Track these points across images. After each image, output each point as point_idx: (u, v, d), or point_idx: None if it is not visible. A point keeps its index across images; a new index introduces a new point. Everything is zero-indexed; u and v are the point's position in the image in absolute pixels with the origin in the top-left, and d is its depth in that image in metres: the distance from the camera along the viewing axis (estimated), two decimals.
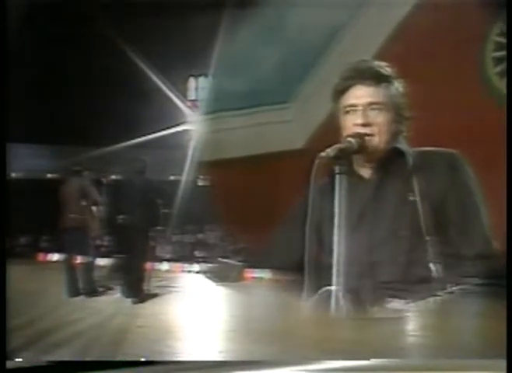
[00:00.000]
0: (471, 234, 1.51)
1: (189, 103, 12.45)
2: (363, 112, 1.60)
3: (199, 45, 7.89)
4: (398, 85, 1.65)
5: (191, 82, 13.12)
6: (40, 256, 11.23)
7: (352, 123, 1.62)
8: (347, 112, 1.64)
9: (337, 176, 1.50)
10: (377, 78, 1.62)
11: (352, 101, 1.63)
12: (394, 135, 1.63)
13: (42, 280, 7.59)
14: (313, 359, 1.13)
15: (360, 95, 1.62)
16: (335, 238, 1.45)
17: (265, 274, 7.91)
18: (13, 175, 11.14)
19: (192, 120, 11.60)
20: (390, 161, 1.63)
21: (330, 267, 1.42)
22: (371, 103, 1.61)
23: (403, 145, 1.65)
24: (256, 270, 8.40)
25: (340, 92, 1.66)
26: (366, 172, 1.66)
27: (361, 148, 1.57)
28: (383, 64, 1.66)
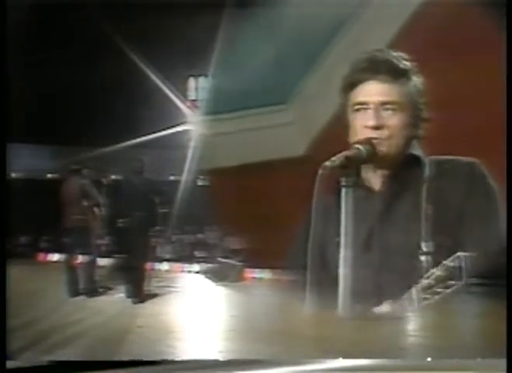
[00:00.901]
0: (489, 250, 1.34)
1: (189, 103, 12.44)
2: (375, 112, 1.41)
3: (199, 45, 7.89)
4: (416, 82, 1.45)
5: (191, 82, 13.12)
6: (40, 256, 11.22)
7: (361, 125, 1.43)
8: (356, 110, 1.45)
9: (343, 189, 1.33)
10: (393, 73, 1.42)
11: (363, 98, 1.43)
12: (409, 140, 1.45)
13: (42, 281, 7.59)
14: (313, 359, 1.13)
15: (372, 92, 1.42)
16: (341, 258, 1.31)
17: (265, 274, 7.92)
18: (13, 175, 11.13)
19: (192, 120, 11.60)
20: (403, 170, 1.46)
21: (335, 284, 1.30)
22: (384, 103, 1.42)
23: (418, 152, 1.47)
24: (256, 270, 8.40)
25: (350, 86, 1.46)
26: (375, 182, 1.48)
27: (371, 156, 1.39)
28: (401, 55, 1.46)
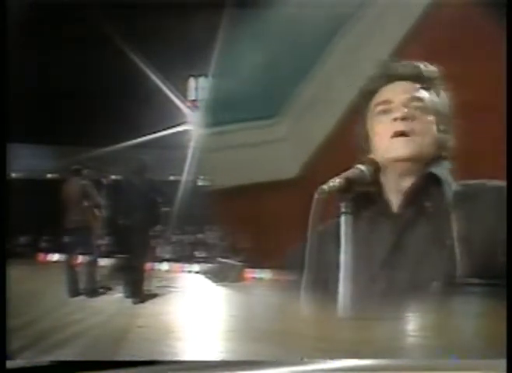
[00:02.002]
0: None
1: (189, 103, 12.45)
2: (402, 105, 1.24)
3: (199, 45, 7.89)
4: (443, 94, 1.30)
5: (191, 82, 13.12)
6: (40, 256, 11.23)
7: (388, 120, 1.25)
8: (380, 112, 1.27)
9: (342, 217, 1.16)
10: (418, 78, 1.29)
11: (388, 96, 1.27)
12: (438, 152, 1.26)
13: (42, 281, 7.59)
14: (313, 359, 1.13)
15: (398, 90, 1.27)
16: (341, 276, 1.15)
17: (265, 274, 7.92)
18: (13, 175, 11.14)
19: (192, 120, 11.60)
20: (424, 190, 1.24)
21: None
22: (413, 99, 1.26)
23: (440, 170, 1.26)
24: (256, 270, 8.40)
25: (369, 93, 1.31)
26: (395, 200, 1.27)
27: (376, 178, 1.23)
28: (428, 66, 1.32)
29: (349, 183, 1.18)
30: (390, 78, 1.30)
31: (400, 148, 1.24)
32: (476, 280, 1.22)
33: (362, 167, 1.22)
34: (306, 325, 1.29)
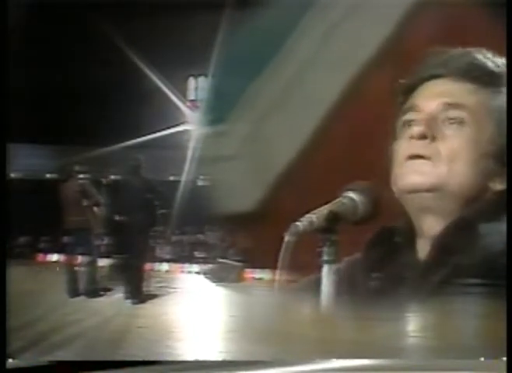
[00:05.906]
0: None
1: (189, 103, 12.46)
2: (429, 118, 0.87)
3: (199, 45, 7.90)
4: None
5: (191, 82, 13.13)
6: (40, 257, 11.23)
7: (406, 139, 0.89)
8: (405, 123, 0.91)
9: (325, 266, 0.86)
10: (477, 75, 0.90)
11: (418, 100, 0.90)
12: (485, 183, 0.87)
13: (42, 281, 7.59)
14: (313, 359, 1.13)
15: (433, 91, 0.90)
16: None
17: (265, 274, 7.92)
18: (13, 175, 11.14)
19: (192, 120, 11.61)
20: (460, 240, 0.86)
21: None
22: (450, 106, 0.87)
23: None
24: (256, 270, 8.40)
25: (406, 90, 0.94)
26: (423, 246, 0.91)
27: (371, 211, 0.87)
28: (495, 56, 0.93)
29: (334, 219, 0.85)
30: (437, 67, 0.93)
31: (413, 175, 0.88)
32: (476, 280, 1.22)
33: (353, 195, 0.89)
34: (307, 325, 1.29)
